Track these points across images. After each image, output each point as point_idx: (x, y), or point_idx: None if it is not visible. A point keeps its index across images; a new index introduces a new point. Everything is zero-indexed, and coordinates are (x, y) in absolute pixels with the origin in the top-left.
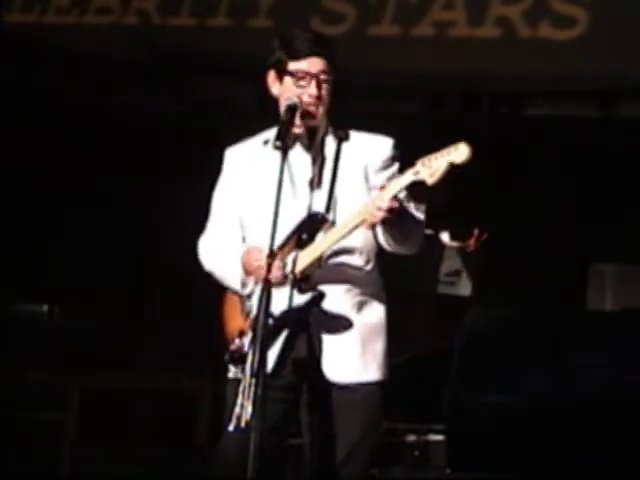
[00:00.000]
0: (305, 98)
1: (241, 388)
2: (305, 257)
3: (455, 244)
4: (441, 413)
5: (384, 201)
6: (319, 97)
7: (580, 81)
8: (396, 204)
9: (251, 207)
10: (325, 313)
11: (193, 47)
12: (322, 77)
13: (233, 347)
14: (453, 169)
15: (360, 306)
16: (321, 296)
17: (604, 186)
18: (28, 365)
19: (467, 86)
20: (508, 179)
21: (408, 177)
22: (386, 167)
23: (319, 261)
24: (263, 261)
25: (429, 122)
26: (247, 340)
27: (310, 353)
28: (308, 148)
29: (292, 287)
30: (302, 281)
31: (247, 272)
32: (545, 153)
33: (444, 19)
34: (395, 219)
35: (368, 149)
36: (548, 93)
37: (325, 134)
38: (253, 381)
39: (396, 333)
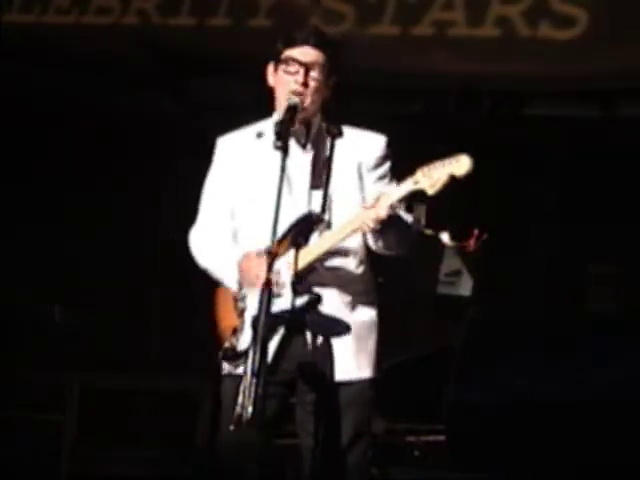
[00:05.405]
0: (292, 86)
1: (242, 388)
2: (300, 259)
3: (455, 244)
4: (441, 413)
5: (382, 209)
6: (305, 84)
7: (580, 81)
8: (392, 212)
9: (244, 200)
10: (322, 315)
11: (193, 47)
12: (310, 66)
13: (227, 345)
14: (453, 181)
15: (353, 306)
16: (318, 299)
17: (604, 186)
18: (28, 365)
19: (467, 86)
20: (508, 179)
21: (407, 186)
22: (379, 165)
23: (314, 264)
24: (261, 271)
25: (429, 122)
26: (241, 337)
27: (307, 353)
28: (304, 144)
29: (292, 288)
30: (297, 283)
31: (243, 277)
32: (545, 153)
33: (444, 19)
34: (389, 225)
35: (361, 146)
36: (548, 93)
37: (319, 131)
38: (254, 381)
39: (396, 333)
